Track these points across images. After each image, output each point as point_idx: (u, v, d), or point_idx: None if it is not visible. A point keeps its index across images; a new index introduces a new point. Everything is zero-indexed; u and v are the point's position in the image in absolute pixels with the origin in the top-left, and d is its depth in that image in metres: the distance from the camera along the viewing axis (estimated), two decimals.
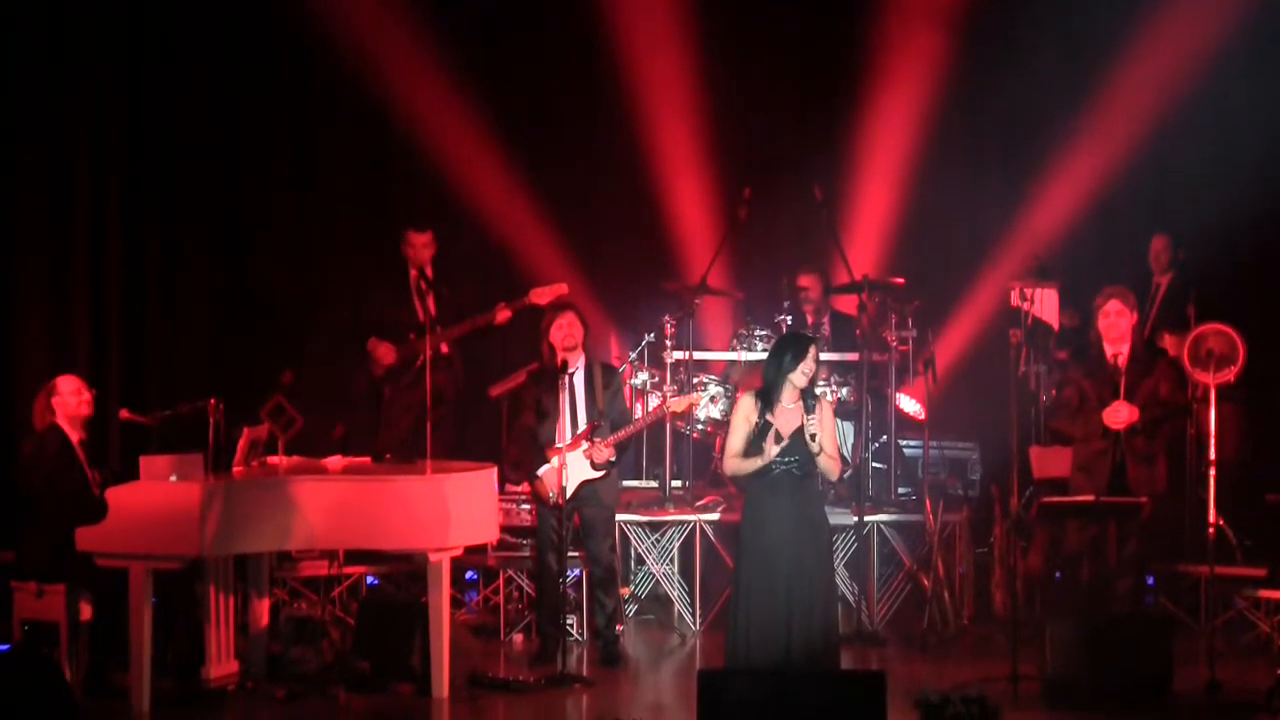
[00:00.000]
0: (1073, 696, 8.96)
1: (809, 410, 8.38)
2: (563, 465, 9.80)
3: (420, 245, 11.59)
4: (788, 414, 8.43)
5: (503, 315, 11.39)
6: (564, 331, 10.07)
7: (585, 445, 10.03)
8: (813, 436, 8.34)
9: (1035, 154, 12.56)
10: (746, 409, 8.49)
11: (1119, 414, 9.67)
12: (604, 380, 10.18)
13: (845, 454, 11.34)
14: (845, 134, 12.79)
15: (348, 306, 11.88)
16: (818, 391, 8.52)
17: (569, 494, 9.87)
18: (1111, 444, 9.73)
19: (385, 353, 11.54)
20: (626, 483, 11.45)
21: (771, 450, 8.37)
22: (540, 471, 10.02)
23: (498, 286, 11.53)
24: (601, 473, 10.08)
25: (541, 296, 11.26)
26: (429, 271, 11.55)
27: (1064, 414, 9.95)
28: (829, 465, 8.43)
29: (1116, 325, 9.82)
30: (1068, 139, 12.49)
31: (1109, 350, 9.81)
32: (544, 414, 10.06)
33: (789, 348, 8.49)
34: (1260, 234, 11.97)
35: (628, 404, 10.76)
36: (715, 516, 11.01)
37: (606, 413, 10.11)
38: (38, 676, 7.40)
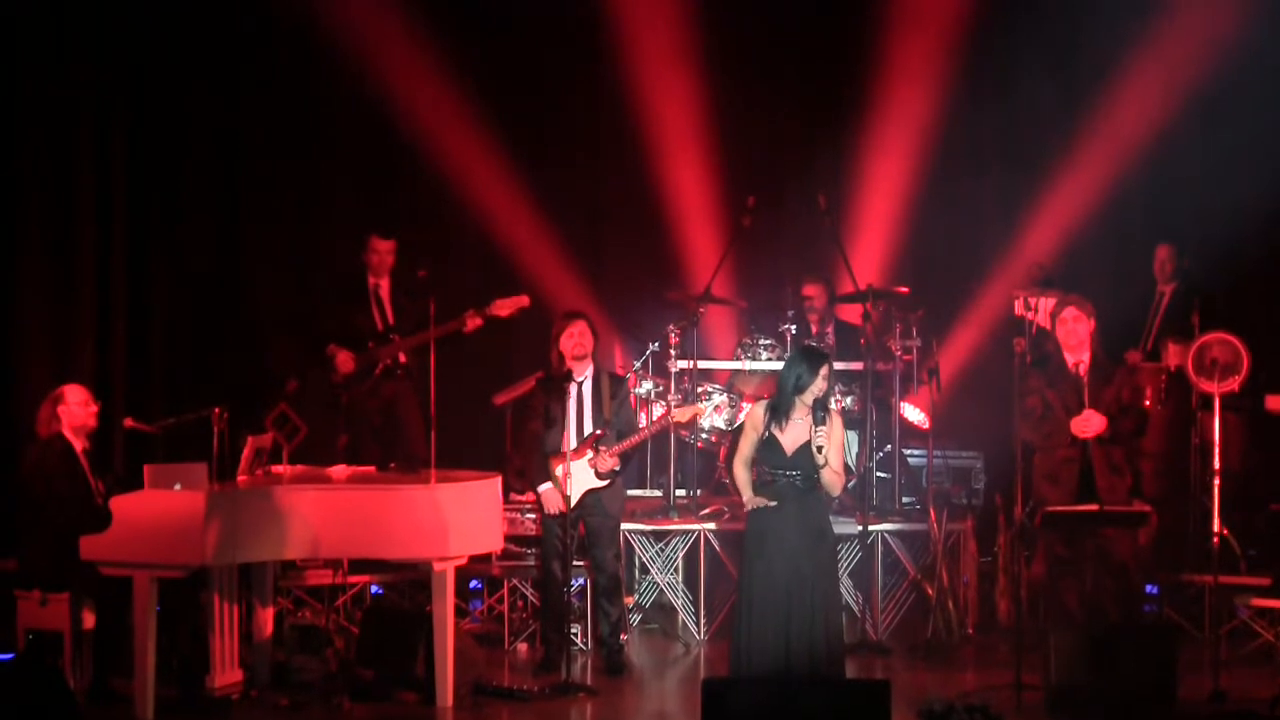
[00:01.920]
0: (1077, 705, 8.94)
1: (818, 423, 8.39)
2: (566, 474, 9.81)
3: (384, 251, 11.58)
4: (796, 428, 8.44)
5: (473, 323, 11.32)
6: (574, 340, 10.09)
7: (590, 454, 10.04)
8: (819, 449, 8.36)
9: (1039, 162, 12.55)
10: (756, 418, 8.52)
11: (1090, 422, 9.62)
12: (611, 390, 10.19)
13: (850, 463, 11.35)
14: (849, 142, 12.80)
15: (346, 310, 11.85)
16: (830, 405, 8.52)
17: (573, 503, 9.89)
18: (1079, 452, 9.69)
19: (344, 360, 11.49)
20: (631, 492, 11.44)
21: (749, 499, 8.47)
22: (542, 487, 10.02)
23: (501, 294, 11.49)
24: (606, 482, 10.09)
25: (503, 309, 11.26)
26: (386, 281, 11.55)
27: (1028, 423, 9.90)
28: (832, 480, 8.44)
29: (1075, 332, 9.77)
30: (1071, 148, 12.48)
31: (1069, 359, 9.76)
32: (551, 422, 10.06)
33: (801, 366, 8.47)
34: (1265, 243, 11.95)
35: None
36: (719, 526, 11.00)
37: (613, 422, 10.12)
38: (42, 685, 7.41)
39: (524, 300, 11.31)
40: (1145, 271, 11.79)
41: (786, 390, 8.47)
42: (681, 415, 10.47)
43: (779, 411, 8.47)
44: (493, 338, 11.60)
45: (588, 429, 10.11)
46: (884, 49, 12.69)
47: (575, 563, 10.25)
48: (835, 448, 8.44)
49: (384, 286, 11.64)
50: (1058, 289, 11.60)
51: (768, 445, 8.46)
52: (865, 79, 12.74)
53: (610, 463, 10.07)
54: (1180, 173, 12.17)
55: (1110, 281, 11.66)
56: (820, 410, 8.41)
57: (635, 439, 10.19)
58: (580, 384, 10.11)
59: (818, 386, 8.42)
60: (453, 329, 11.24)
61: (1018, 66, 12.46)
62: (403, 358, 11.45)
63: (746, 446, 8.55)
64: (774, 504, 8.41)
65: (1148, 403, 9.98)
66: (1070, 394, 9.69)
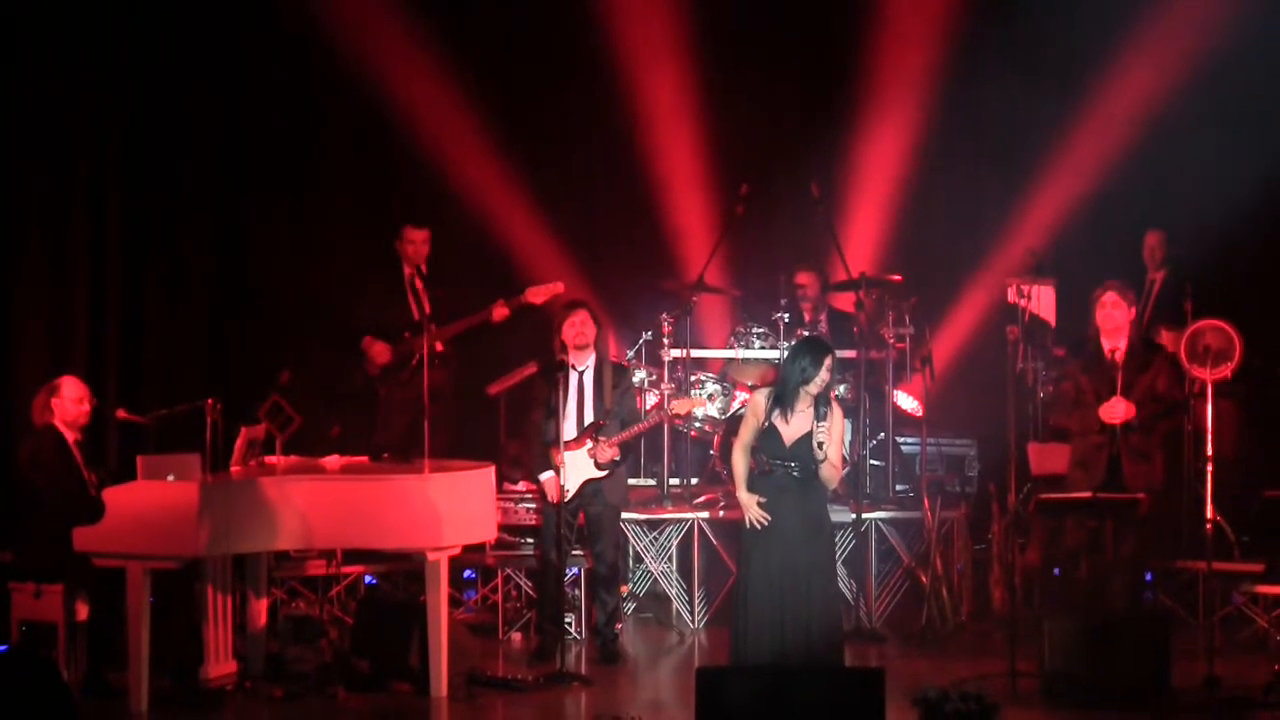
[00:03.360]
0: (1071, 693, 8.95)
1: (819, 418, 8.39)
2: (561, 463, 9.81)
3: (419, 241, 11.59)
4: (797, 420, 8.43)
5: (500, 313, 11.37)
6: (576, 329, 10.09)
7: (590, 444, 10.03)
8: (820, 445, 8.36)
9: (1031, 151, 12.55)
10: (758, 406, 8.50)
11: (1116, 409, 9.65)
12: (614, 379, 10.19)
13: (845, 452, 11.34)
14: (842, 131, 12.79)
15: (346, 306, 11.87)
16: (829, 397, 8.52)
17: (572, 492, 9.89)
18: (1108, 439, 9.71)
19: (380, 351, 11.52)
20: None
21: (744, 497, 8.45)
22: (543, 476, 10.02)
23: (497, 285, 11.51)
24: (605, 472, 10.08)
25: (537, 295, 11.28)
26: (424, 269, 11.55)
27: (1061, 409, 9.92)
28: (830, 474, 8.44)
29: (1111, 316, 9.77)
30: (1063, 135, 12.48)
31: (1106, 345, 9.78)
32: (552, 411, 10.05)
33: (805, 358, 8.44)
34: (1256, 229, 11.95)
35: None
36: (713, 515, 11.00)
37: (616, 412, 10.12)
38: (35, 677, 7.39)
39: (559, 287, 11.32)
40: (1136, 258, 11.78)
41: (791, 382, 8.44)
42: (680, 407, 10.47)
43: (782, 402, 8.45)
44: (490, 327, 11.58)
45: (589, 418, 10.11)
46: (877, 37, 12.68)
47: (576, 552, 10.25)
48: (835, 442, 8.43)
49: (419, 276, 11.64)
50: (1050, 276, 11.62)
51: (767, 435, 8.45)
52: (858, 67, 12.72)
53: (610, 453, 10.06)
54: (1171, 159, 12.16)
55: (1101, 268, 11.64)
56: (822, 404, 8.41)
57: (635, 429, 10.19)
58: (582, 374, 10.12)
59: (822, 378, 8.40)
60: (481, 319, 11.28)
61: (1012, 54, 12.44)
62: (439, 347, 11.45)
63: (746, 433, 8.53)
64: (768, 519, 8.40)
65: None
66: (1103, 381, 9.70)
